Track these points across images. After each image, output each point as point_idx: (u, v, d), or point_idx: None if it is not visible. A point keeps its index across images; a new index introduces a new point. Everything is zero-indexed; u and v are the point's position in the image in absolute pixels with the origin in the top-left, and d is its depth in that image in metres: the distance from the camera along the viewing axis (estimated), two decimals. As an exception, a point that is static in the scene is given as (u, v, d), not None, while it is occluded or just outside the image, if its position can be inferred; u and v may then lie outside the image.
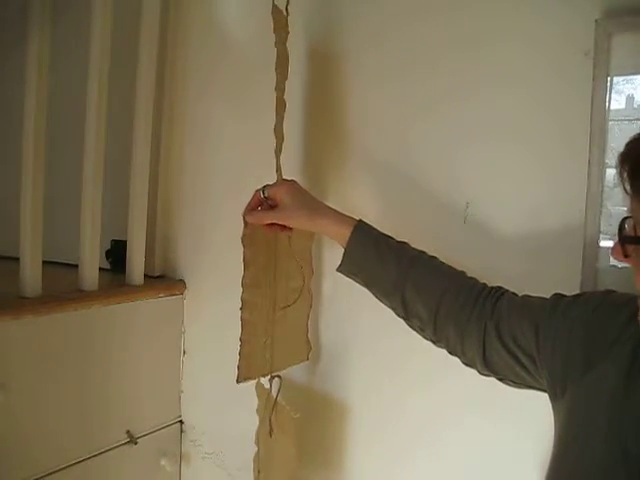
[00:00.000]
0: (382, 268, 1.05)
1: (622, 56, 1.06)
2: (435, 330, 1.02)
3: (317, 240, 1.34)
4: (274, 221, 1.14)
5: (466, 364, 1.01)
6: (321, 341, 1.39)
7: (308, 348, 1.34)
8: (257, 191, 1.16)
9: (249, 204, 1.17)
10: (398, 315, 1.07)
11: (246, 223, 1.18)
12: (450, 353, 1.03)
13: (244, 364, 1.20)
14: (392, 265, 1.04)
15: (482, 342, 0.96)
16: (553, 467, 0.84)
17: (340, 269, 1.10)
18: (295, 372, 1.38)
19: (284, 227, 1.17)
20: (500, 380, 0.98)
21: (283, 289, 1.27)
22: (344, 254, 1.08)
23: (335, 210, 1.12)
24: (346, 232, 1.07)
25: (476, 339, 0.96)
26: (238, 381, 1.20)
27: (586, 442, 0.79)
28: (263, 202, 1.16)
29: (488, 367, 0.97)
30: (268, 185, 1.15)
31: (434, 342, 1.05)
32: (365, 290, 1.11)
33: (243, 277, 1.19)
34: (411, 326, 1.06)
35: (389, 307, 1.08)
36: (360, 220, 1.09)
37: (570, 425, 0.83)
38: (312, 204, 1.13)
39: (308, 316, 1.33)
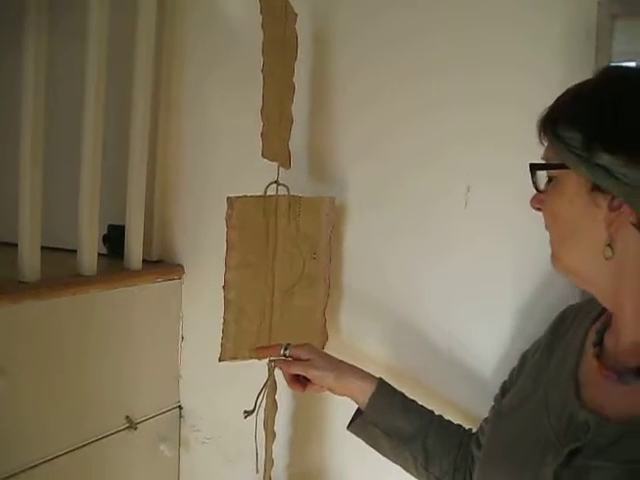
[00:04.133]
0: (407, 416, 1.10)
1: (625, 39, 1.05)
2: (454, 478, 1.06)
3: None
4: (302, 374, 1.15)
5: None
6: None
7: (324, 338, 1.32)
8: (278, 346, 1.20)
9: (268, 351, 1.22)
10: (415, 468, 1.09)
11: (231, 203, 1.19)
12: None
13: (228, 343, 1.22)
14: (416, 414, 1.11)
15: None
16: (494, 429, 0.95)
17: (358, 421, 1.12)
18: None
19: (306, 381, 1.17)
20: None
21: (286, 274, 1.27)
22: (368, 405, 1.10)
23: (356, 367, 1.15)
24: (369, 385, 1.11)
25: None
26: (220, 359, 1.22)
27: (521, 407, 0.91)
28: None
29: None
30: (290, 345, 1.19)
31: None
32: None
33: (226, 257, 1.20)
34: (427, 478, 1.09)
35: (404, 459, 1.10)
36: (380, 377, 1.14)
37: (507, 403, 0.96)
38: (338, 365, 1.15)
39: (325, 305, 1.31)
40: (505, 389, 1.02)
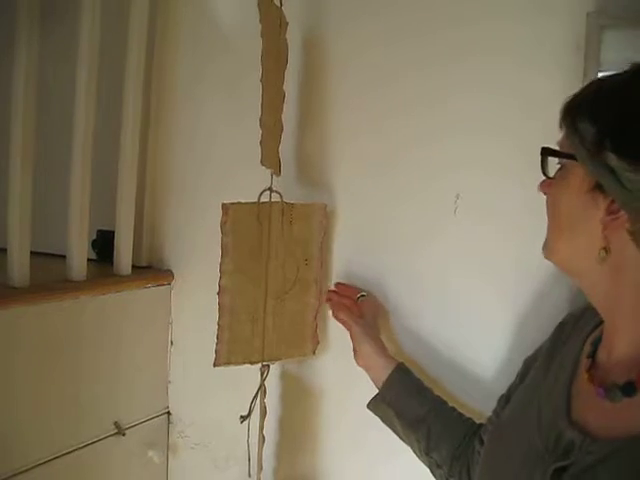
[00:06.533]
0: (418, 400, 1.15)
1: (613, 51, 1.07)
2: (451, 467, 1.09)
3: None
4: (345, 325, 1.26)
5: None
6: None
7: (314, 343, 1.34)
8: (357, 291, 1.31)
9: (346, 290, 1.33)
10: (419, 451, 1.14)
11: (226, 210, 1.20)
12: None
13: (223, 348, 1.23)
14: (427, 400, 1.15)
15: None
16: (489, 447, 0.95)
17: (376, 398, 1.19)
18: (297, 364, 1.41)
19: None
20: None
21: (279, 280, 1.28)
22: (384, 385, 1.18)
23: (386, 348, 1.23)
24: (389, 366, 1.18)
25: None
26: (215, 365, 1.23)
27: (512, 423, 0.92)
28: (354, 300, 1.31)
29: None
30: (365, 296, 1.30)
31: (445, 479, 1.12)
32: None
33: (221, 263, 1.21)
34: (429, 463, 1.13)
35: (410, 442, 1.16)
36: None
37: (506, 415, 0.97)
38: (377, 341, 1.23)
39: (317, 310, 1.33)
40: (509, 394, 1.02)
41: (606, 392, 0.76)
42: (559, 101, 1.09)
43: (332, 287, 1.36)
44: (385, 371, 1.18)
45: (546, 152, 0.84)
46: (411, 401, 1.14)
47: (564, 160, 0.82)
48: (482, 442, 1.04)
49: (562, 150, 0.82)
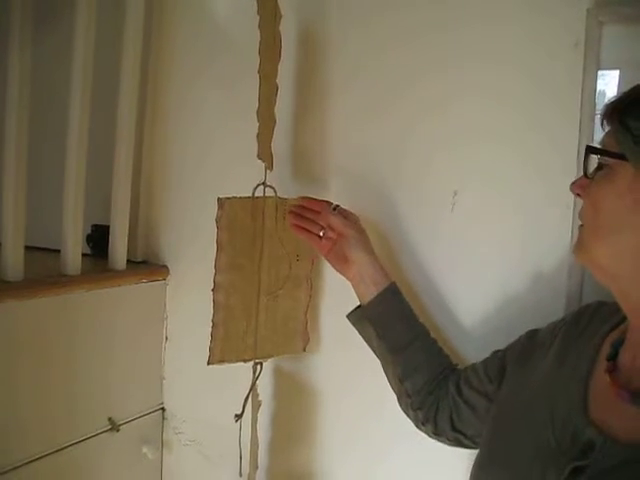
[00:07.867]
0: (402, 326, 1.11)
1: (613, 47, 1.06)
2: (422, 400, 1.08)
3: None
4: (337, 225, 1.14)
5: (435, 434, 1.09)
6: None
7: (305, 340, 1.33)
8: (327, 203, 1.19)
9: (314, 204, 1.20)
10: (393, 376, 1.12)
11: (221, 204, 1.19)
12: (422, 424, 1.10)
13: (217, 346, 1.22)
14: (412, 327, 1.11)
15: (450, 411, 1.05)
16: (489, 438, 0.92)
17: (358, 312, 1.16)
18: (291, 361, 1.40)
19: (315, 238, 1.19)
20: (469, 443, 1.05)
21: (272, 276, 1.27)
22: (372, 301, 1.12)
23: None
24: (383, 280, 1.12)
25: (447, 409, 1.06)
26: (208, 363, 1.22)
27: (520, 416, 0.88)
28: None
29: (457, 429, 1.05)
30: (340, 206, 1.18)
31: (412, 410, 1.10)
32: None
33: (216, 259, 1.21)
34: (399, 391, 1.11)
35: (386, 364, 1.13)
36: None
37: (508, 402, 0.93)
38: (374, 252, 1.16)
39: (307, 307, 1.32)
40: (505, 354, 1.01)
41: (632, 397, 0.74)
42: (558, 98, 1.10)
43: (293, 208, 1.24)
44: (376, 287, 1.11)
45: (590, 151, 0.80)
46: (397, 325, 1.10)
47: (609, 160, 0.77)
48: (459, 389, 1.05)
49: (607, 149, 0.79)
